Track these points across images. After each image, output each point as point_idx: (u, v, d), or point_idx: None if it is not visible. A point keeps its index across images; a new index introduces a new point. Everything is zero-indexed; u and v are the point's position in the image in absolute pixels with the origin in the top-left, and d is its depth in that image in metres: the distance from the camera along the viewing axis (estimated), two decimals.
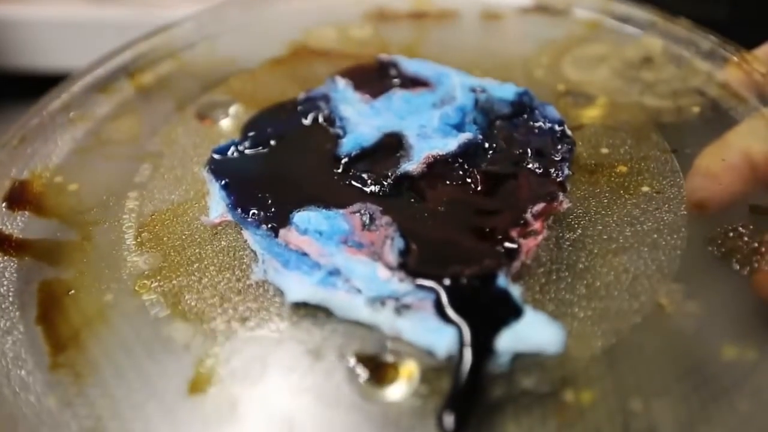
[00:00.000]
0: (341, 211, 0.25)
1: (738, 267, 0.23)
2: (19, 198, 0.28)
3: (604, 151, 0.28)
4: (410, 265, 0.23)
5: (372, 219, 0.24)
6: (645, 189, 0.26)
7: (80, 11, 0.41)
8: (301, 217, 0.24)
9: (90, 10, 0.36)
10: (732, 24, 0.31)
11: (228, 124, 0.32)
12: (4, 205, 0.27)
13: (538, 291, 0.23)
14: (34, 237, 0.26)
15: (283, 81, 0.34)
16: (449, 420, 0.19)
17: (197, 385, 0.21)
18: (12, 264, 0.25)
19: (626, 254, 0.24)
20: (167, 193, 0.28)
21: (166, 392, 0.21)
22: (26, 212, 0.27)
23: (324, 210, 0.25)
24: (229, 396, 0.21)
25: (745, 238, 0.23)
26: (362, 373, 0.21)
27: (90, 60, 0.34)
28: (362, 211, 0.25)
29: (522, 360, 0.20)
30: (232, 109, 0.32)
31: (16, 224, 0.27)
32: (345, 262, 0.23)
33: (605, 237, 0.24)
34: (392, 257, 0.23)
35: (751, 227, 0.24)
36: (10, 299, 0.24)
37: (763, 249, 0.23)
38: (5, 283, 0.25)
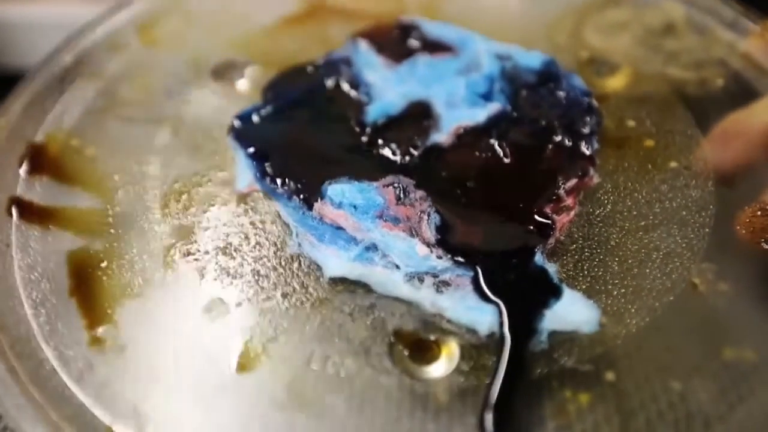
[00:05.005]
0: (374, 183, 0.25)
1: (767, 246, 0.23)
2: (37, 162, 0.27)
3: (630, 123, 0.28)
4: (448, 242, 0.23)
5: (406, 192, 0.24)
6: (673, 164, 0.26)
7: (80, 11, 0.39)
8: (334, 189, 0.24)
9: (90, 10, 0.34)
10: None
11: (245, 85, 0.31)
12: (23, 170, 0.27)
13: (572, 268, 0.23)
14: (57, 205, 0.26)
15: (299, 40, 0.33)
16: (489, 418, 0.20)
17: (241, 363, 0.21)
18: (35, 233, 0.25)
19: (656, 231, 0.24)
20: (189, 159, 0.27)
21: (206, 364, 0.21)
22: (44, 178, 0.27)
23: (356, 182, 0.25)
24: (265, 371, 0.21)
25: None
26: (403, 349, 0.21)
27: None
28: (395, 184, 0.24)
29: (557, 338, 0.21)
30: (249, 70, 0.31)
31: (36, 191, 0.26)
32: (382, 237, 0.23)
33: (635, 213, 0.25)
34: (429, 234, 0.23)
35: None
36: (39, 270, 0.24)
37: None
38: (31, 252, 0.24)
